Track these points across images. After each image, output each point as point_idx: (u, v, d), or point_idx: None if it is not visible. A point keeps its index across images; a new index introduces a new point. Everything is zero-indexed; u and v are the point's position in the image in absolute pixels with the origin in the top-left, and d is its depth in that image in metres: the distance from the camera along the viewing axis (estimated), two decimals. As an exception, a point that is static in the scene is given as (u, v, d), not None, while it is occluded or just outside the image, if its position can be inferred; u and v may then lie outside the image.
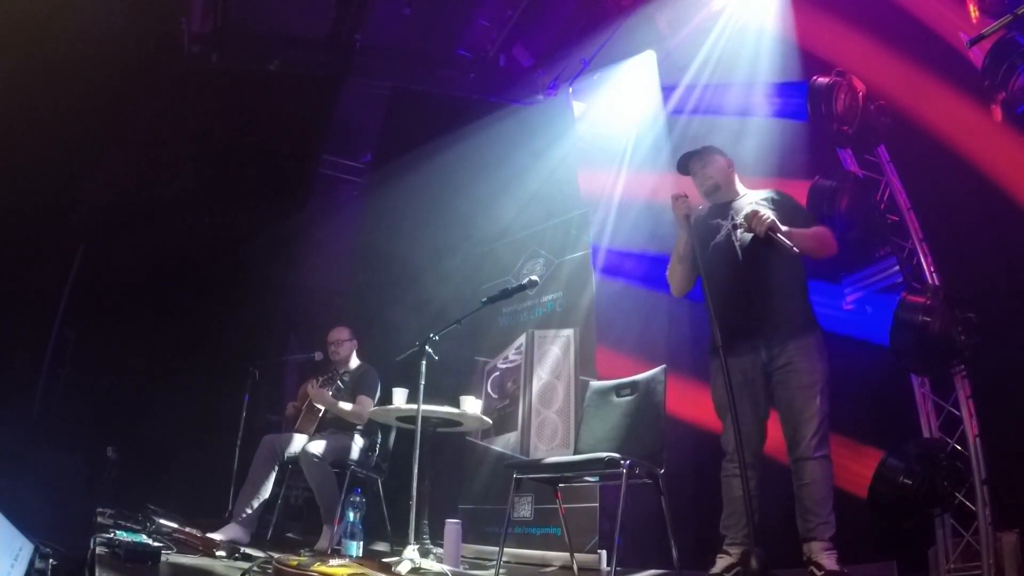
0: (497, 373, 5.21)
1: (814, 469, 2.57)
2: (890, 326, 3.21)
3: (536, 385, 4.84)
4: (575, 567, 3.44)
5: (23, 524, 2.32)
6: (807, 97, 3.68)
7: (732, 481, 2.74)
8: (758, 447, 2.74)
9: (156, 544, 2.46)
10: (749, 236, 2.80)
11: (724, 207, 2.97)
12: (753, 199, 2.93)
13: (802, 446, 2.61)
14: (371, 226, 6.38)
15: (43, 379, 4.94)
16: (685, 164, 3.10)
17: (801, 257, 2.75)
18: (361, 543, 2.97)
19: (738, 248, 2.82)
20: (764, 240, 2.71)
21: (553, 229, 5.23)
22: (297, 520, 5.11)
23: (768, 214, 2.71)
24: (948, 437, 3.22)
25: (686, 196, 2.88)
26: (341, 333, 4.51)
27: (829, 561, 2.47)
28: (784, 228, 2.68)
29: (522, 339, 5.09)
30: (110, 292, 5.11)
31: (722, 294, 2.63)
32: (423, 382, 3.40)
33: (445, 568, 3.17)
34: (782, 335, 2.72)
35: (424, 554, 3.34)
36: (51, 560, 2.28)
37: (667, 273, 3.07)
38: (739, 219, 2.87)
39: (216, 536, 3.48)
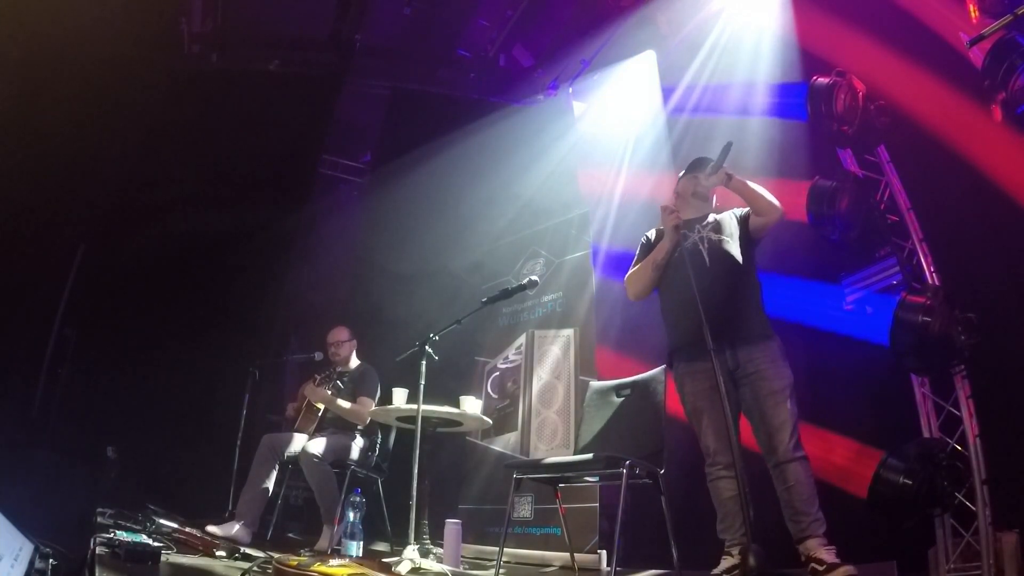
0: (497, 373, 5.21)
1: (797, 470, 2.59)
2: (890, 326, 3.21)
3: (536, 385, 4.84)
4: (575, 567, 3.44)
5: (23, 524, 2.32)
6: (807, 97, 3.68)
7: (718, 484, 2.75)
8: (736, 446, 2.75)
9: (156, 544, 2.46)
10: (717, 243, 2.91)
11: (692, 221, 3.03)
12: (727, 215, 3.04)
13: (780, 450, 2.62)
14: (371, 226, 6.38)
15: (43, 379, 4.94)
16: (695, 164, 3.13)
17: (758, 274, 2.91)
18: (361, 543, 2.97)
19: (706, 255, 2.90)
20: (729, 250, 2.86)
21: (553, 229, 5.23)
22: (297, 520, 5.11)
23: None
24: (948, 437, 3.22)
25: (675, 208, 2.95)
26: (340, 334, 4.51)
27: (829, 555, 2.48)
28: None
29: (522, 339, 5.09)
30: (110, 292, 5.11)
31: (687, 300, 2.66)
32: (423, 382, 3.40)
33: (445, 568, 3.17)
34: (746, 340, 2.76)
35: (424, 554, 3.34)
36: (51, 560, 2.27)
37: (630, 275, 3.10)
38: (711, 231, 2.96)
39: (215, 530, 3.49)
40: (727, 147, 2.84)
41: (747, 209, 2.96)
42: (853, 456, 3.36)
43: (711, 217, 3.03)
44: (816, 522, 2.54)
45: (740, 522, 2.62)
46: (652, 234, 3.19)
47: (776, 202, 2.86)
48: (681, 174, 3.19)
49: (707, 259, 2.89)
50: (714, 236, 2.94)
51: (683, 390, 2.91)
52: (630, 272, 3.12)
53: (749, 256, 2.93)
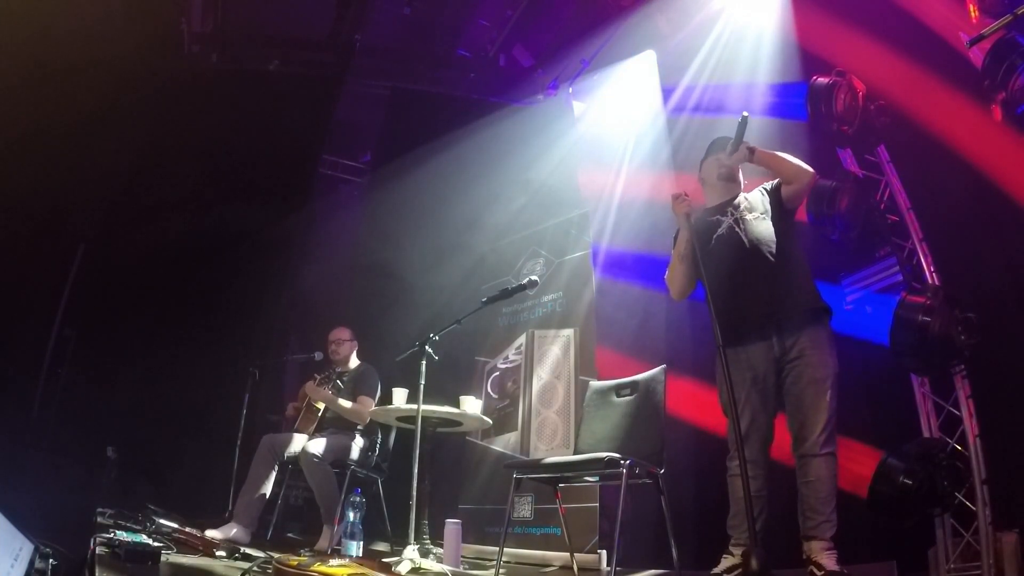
0: (497, 373, 5.21)
1: (820, 466, 2.55)
2: (890, 326, 3.21)
3: (536, 385, 4.84)
4: (575, 567, 3.44)
5: (23, 524, 2.32)
6: (807, 97, 3.68)
7: (736, 480, 2.70)
8: (765, 445, 2.71)
9: (156, 544, 2.46)
10: (752, 222, 2.82)
11: (723, 205, 2.96)
12: (756, 193, 2.97)
13: (809, 442, 2.58)
14: (371, 226, 6.38)
15: (43, 379, 4.94)
16: (714, 145, 3.06)
17: (800, 245, 2.82)
18: (361, 543, 2.97)
19: (744, 236, 2.81)
20: (766, 227, 2.79)
21: (553, 229, 5.23)
22: (297, 520, 5.10)
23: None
24: (948, 437, 3.22)
25: (686, 195, 2.88)
26: (342, 333, 4.52)
27: (829, 561, 2.47)
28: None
29: (522, 339, 5.09)
30: (110, 291, 5.11)
31: (730, 285, 2.59)
32: (423, 382, 3.40)
33: (445, 568, 3.17)
34: (796, 322, 2.68)
35: (424, 554, 3.33)
36: (51, 560, 2.27)
37: (667, 275, 3.03)
38: (745, 211, 2.87)
39: (216, 534, 3.48)
40: (743, 121, 2.73)
41: (776, 180, 2.88)
42: (853, 456, 3.36)
43: (741, 197, 2.95)
44: (826, 524, 2.51)
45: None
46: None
47: (805, 166, 2.78)
48: (703, 158, 3.11)
49: (746, 240, 2.79)
50: (748, 216, 2.85)
51: (720, 381, 2.83)
52: (667, 272, 3.04)
53: (788, 229, 2.83)
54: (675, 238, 3.07)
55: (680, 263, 2.92)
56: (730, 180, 2.99)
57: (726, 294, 2.61)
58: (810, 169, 2.79)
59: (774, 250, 2.76)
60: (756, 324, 2.70)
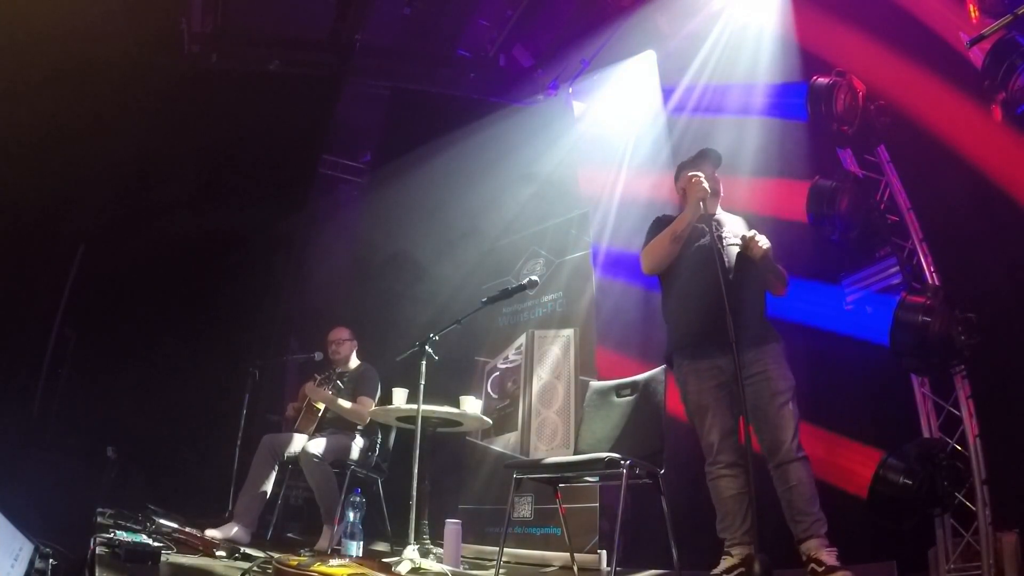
0: (497, 373, 5.21)
1: (799, 470, 2.59)
2: (890, 326, 3.21)
3: (536, 385, 4.84)
4: (575, 567, 3.44)
5: (23, 524, 2.32)
6: (807, 97, 3.68)
7: (719, 483, 2.73)
8: (738, 446, 2.74)
9: (156, 544, 2.46)
10: (730, 244, 2.88)
11: (705, 216, 2.94)
12: (733, 219, 3.02)
13: (783, 450, 2.62)
14: (371, 226, 6.38)
15: (43, 379, 4.94)
16: (703, 157, 3.06)
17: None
18: (361, 543, 2.97)
19: (726, 256, 2.85)
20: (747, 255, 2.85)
21: (553, 229, 5.23)
22: (297, 520, 5.11)
23: (766, 240, 2.82)
24: (948, 437, 3.22)
25: (704, 180, 2.86)
26: (342, 333, 4.52)
27: (829, 557, 2.48)
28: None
29: (522, 339, 5.09)
30: (110, 292, 5.11)
31: (703, 295, 2.63)
32: (423, 382, 3.40)
33: (445, 568, 3.17)
34: (752, 341, 2.74)
35: (424, 554, 3.34)
36: (51, 560, 2.27)
37: (648, 248, 3.00)
38: (724, 231, 2.93)
39: (216, 534, 3.49)
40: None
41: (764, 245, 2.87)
42: (853, 456, 3.36)
43: (722, 214, 3.00)
44: (818, 522, 2.54)
45: (740, 521, 2.61)
46: (663, 218, 3.09)
47: (783, 287, 2.93)
48: (686, 161, 3.10)
49: (727, 260, 2.83)
50: (732, 238, 2.91)
51: (686, 388, 2.86)
52: (647, 246, 3.03)
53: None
54: (656, 221, 3.07)
55: (671, 243, 2.90)
56: (714, 195, 3.01)
57: (694, 304, 2.71)
58: (783, 291, 2.95)
59: (747, 276, 2.83)
60: (721, 339, 2.68)
